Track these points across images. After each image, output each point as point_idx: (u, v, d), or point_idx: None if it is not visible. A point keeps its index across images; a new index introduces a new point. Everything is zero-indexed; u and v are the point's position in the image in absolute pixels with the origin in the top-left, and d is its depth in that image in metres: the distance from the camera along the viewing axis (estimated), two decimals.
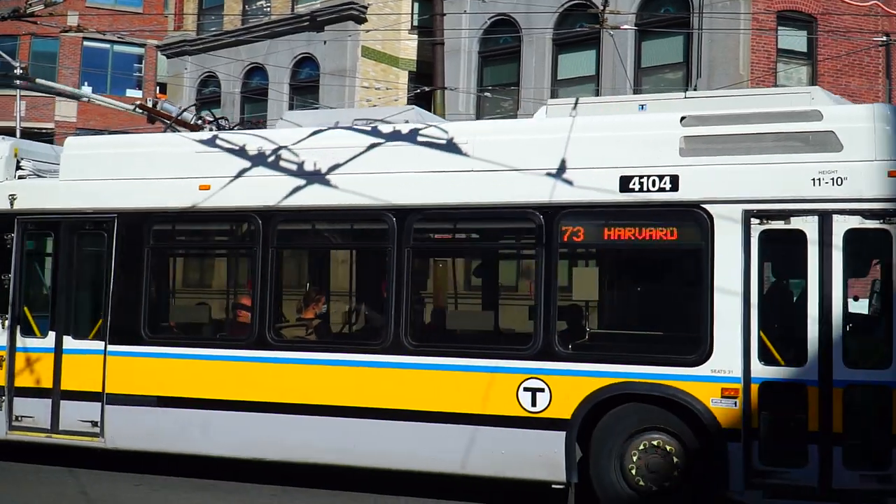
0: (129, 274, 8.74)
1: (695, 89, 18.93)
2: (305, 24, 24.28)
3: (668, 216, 7.36)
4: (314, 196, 8.26)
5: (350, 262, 9.62)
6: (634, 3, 19.57)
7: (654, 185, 7.28)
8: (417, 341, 7.94)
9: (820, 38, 19.05)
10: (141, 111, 9.72)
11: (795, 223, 6.94)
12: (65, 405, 8.70)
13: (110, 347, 8.64)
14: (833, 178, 6.76)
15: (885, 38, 18.50)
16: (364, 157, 8.19)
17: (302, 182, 8.28)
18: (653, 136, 7.44)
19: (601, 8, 15.92)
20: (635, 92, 19.58)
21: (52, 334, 8.89)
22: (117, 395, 8.55)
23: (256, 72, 25.76)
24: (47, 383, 8.78)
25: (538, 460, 7.38)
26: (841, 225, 6.80)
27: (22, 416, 8.83)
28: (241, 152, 8.51)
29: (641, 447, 7.11)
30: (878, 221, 6.75)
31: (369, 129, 8.48)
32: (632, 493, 7.12)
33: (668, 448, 7.10)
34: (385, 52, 23.26)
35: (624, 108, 8.17)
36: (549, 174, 7.58)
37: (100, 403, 8.56)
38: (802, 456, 6.77)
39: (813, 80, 19.11)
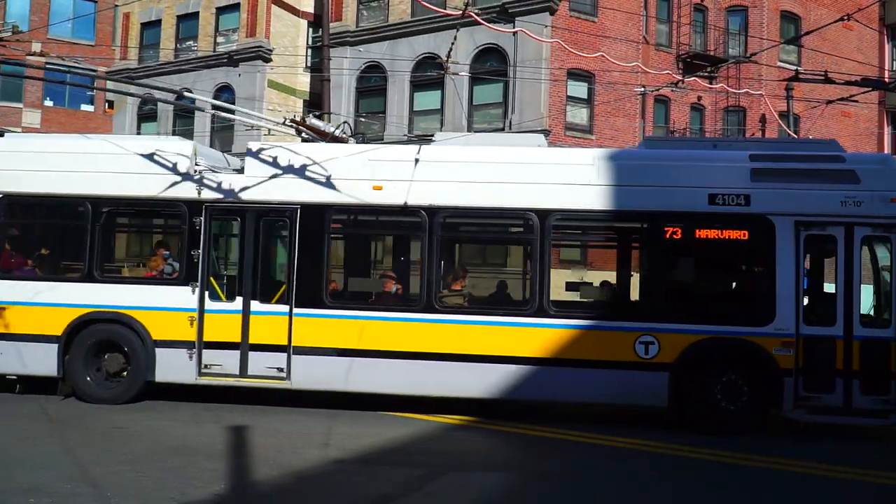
0: (311, 253, 8.69)
1: (510, 124, 20.56)
2: (224, 60, 24.70)
3: (743, 223, 8.32)
4: (471, 198, 8.54)
5: (500, 249, 9.91)
6: (469, 56, 20.80)
7: (732, 200, 8.24)
8: (556, 307, 8.44)
9: (596, 89, 20.86)
10: (291, 125, 9.20)
11: (829, 230, 8.23)
12: (252, 355, 8.61)
13: (296, 310, 8.60)
14: (854, 202, 8.07)
15: (643, 89, 20.42)
16: (507, 170, 8.55)
17: (459, 186, 8.52)
18: (730, 166, 8.41)
19: (445, 59, 17.28)
20: (469, 123, 21.09)
21: (239, 299, 8.73)
22: (302, 348, 8.54)
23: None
24: (235, 338, 8.63)
25: (648, 392, 8.16)
26: (859, 232, 8.12)
27: (210, 365, 8.66)
28: (405, 162, 8.63)
29: (724, 380, 8.09)
30: (882, 231, 8.13)
31: (511, 150, 9.01)
32: (716, 411, 8.09)
33: (741, 381, 8.11)
34: (286, 84, 23.95)
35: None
36: (652, 189, 8.40)
37: (286, 354, 8.53)
38: (832, 386, 7.95)
39: (591, 120, 20.95)
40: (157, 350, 8.64)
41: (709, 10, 24.37)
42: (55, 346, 8.68)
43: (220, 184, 8.83)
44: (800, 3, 24.91)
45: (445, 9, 17.67)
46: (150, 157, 8.88)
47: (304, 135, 9.37)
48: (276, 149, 8.99)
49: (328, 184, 8.70)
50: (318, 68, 21.63)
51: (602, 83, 20.63)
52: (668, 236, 8.49)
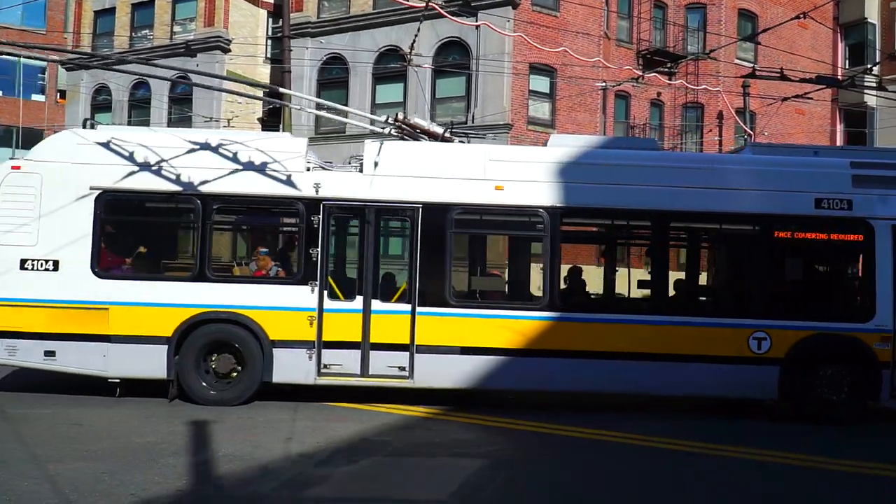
0: (433, 252, 8.61)
1: (473, 118, 20.60)
2: (181, 50, 24.15)
3: (845, 226, 8.74)
4: (591, 199, 8.72)
5: (621, 249, 9.88)
6: (432, 49, 20.79)
7: (836, 205, 8.64)
8: (675, 306, 8.93)
9: (558, 83, 21.03)
10: (394, 123, 8.88)
11: None
12: (374, 355, 8.45)
13: (419, 309, 8.50)
14: None
15: (604, 84, 20.65)
16: (623, 172, 8.76)
17: (579, 187, 8.67)
18: (834, 172, 8.84)
19: (408, 52, 17.22)
20: (431, 116, 21.05)
21: (359, 298, 8.55)
22: (425, 346, 8.45)
23: (142, 85, 25.36)
24: (356, 337, 8.47)
25: (759, 385, 8.54)
26: None
27: (330, 365, 8.46)
28: (526, 163, 8.76)
29: (829, 372, 8.51)
30: None
31: (625, 152, 9.31)
32: (821, 402, 8.48)
33: (844, 374, 8.52)
34: (245, 75, 23.60)
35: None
36: (763, 193, 8.81)
37: (408, 353, 8.43)
38: None
39: (553, 114, 21.13)
40: (275, 350, 8.41)
41: (668, 7, 24.72)
42: (164, 348, 8.34)
43: (338, 182, 8.71)
44: (757, 1, 25.42)
45: (408, 1, 17.59)
46: (263, 153, 8.63)
47: (391, 132, 8.99)
48: (395, 148, 8.85)
49: (449, 183, 8.67)
50: (278, 59, 21.35)
51: (564, 78, 20.78)
52: (778, 238, 8.95)
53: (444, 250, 8.68)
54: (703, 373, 8.53)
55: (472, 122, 20.24)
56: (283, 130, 19.67)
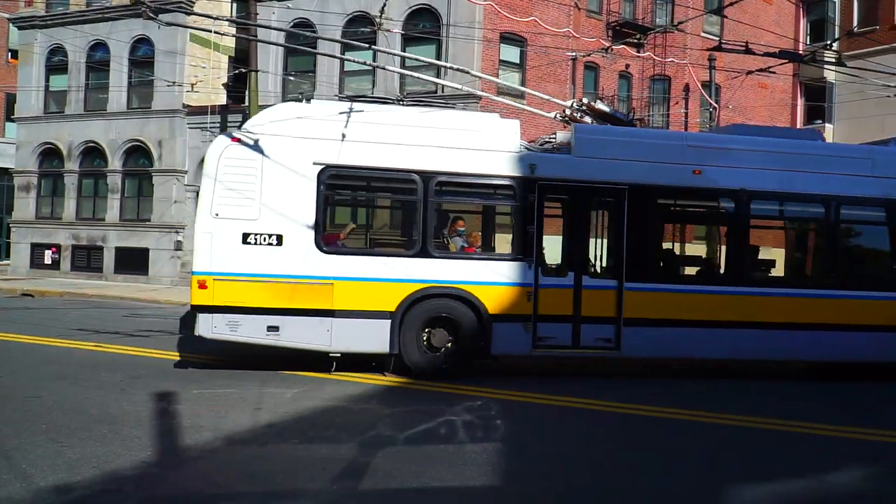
0: (640, 230, 9.22)
1: (442, 87, 20.62)
2: (141, 10, 23.51)
3: None
4: (771, 184, 9.55)
5: (803, 230, 10.72)
6: (403, 15, 20.73)
7: None
8: (852, 282, 9.74)
9: (529, 53, 21.17)
10: (579, 104, 9.62)
11: None
12: (584, 328, 8.96)
13: (626, 283, 9.05)
14: None
15: (574, 55, 20.86)
16: (796, 160, 9.62)
17: (761, 173, 9.48)
18: None
19: (378, 16, 17.14)
20: (401, 85, 21.04)
21: (570, 274, 9.05)
22: (632, 319, 9.00)
23: (100, 46, 24.63)
24: (567, 311, 8.92)
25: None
26: None
27: (545, 337, 8.90)
28: (717, 150, 9.51)
29: None
30: None
31: (794, 142, 10.13)
32: None
33: None
34: (209, 39, 23.16)
35: None
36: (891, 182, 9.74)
37: (614, 325, 9.00)
38: None
39: (523, 84, 21.25)
40: (494, 324, 8.72)
41: None
42: (388, 322, 8.52)
43: (551, 163, 9.13)
44: None
45: None
46: (478, 133, 8.94)
47: (570, 115, 9.78)
48: (602, 131, 9.56)
49: (653, 166, 9.28)
50: (244, 23, 20.95)
51: (534, 47, 20.92)
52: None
53: (650, 229, 9.47)
54: (880, 341, 9.59)
55: (443, 92, 20.28)
56: (250, 96, 19.52)
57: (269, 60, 21.70)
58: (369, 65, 11.75)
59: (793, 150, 9.85)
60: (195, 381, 8.01)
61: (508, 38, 20.74)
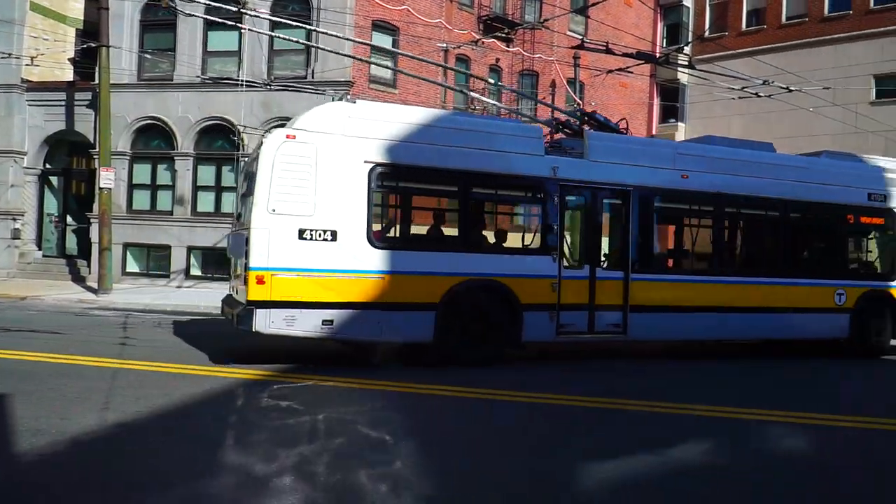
0: (643, 227, 10.42)
1: (313, 73, 20.16)
2: None
3: (885, 213, 12.41)
4: (747, 188, 11.18)
5: (772, 228, 11.94)
6: None
7: (878, 198, 12.31)
8: (795, 272, 11.56)
9: (401, 42, 21.11)
10: (580, 113, 11.13)
11: None
12: (599, 315, 9.95)
13: (632, 275, 10.19)
14: None
15: (444, 45, 21.00)
16: (768, 169, 11.42)
17: (738, 179, 11.11)
18: (879, 175, 12.48)
19: None
20: (269, 69, 20.33)
21: (586, 266, 10.03)
22: (635, 306, 10.13)
23: None
24: (584, 300, 9.88)
25: (837, 327, 11.71)
26: None
27: (565, 325, 9.71)
28: (699, 158, 10.98)
29: (879, 317, 12.08)
30: None
31: (763, 154, 11.79)
32: (874, 339, 12.09)
33: (887, 315, 12.18)
34: (53, 10, 21.29)
35: None
36: (841, 188, 11.95)
37: (621, 312, 10.09)
38: None
39: (395, 74, 21.22)
40: (525, 313, 9.41)
41: None
42: (432, 314, 8.90)
43: (570, 165, 10.03)
44: None
45: None
46: (510, 136, 9.75)
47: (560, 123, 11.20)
48: (610, 138, 10.70)
49: (651, 170, 10.56)
50: None
51: (406, 37, 20.87)
52: (849, 222, 12.30)
53: (651, 227, 10.64)
54: (814, 320, 11.57)
55: (312, 78, 19.82)
56: (100, 73, 18.10)
57: (124, 36, 20.26)
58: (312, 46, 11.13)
59: (756, 160, 11.50)
60: None
61: (381, 25, 20.58)
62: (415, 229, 9.68)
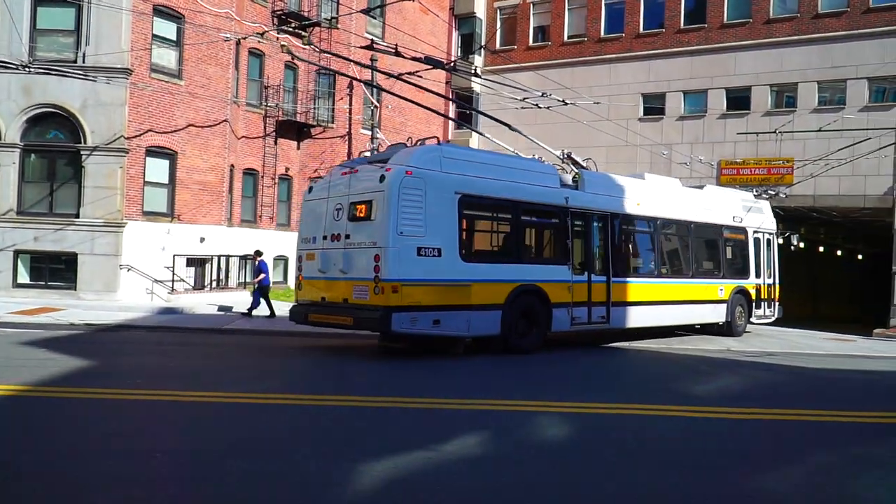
0: (616, 242, 13.65)
1: (84, 56, 18.26)
2: None
3: (742, 231, 17.08)
4: (679, 214, 15.29)
5: (698, 244, 16.06)
6: None
7: (735, 220, 16.86)
8: (699, 274, 15.57)
9: (187, 31, 19.78)
10: (567, 160, 14.17)
11: (766, 236, 17.84)
12: (593, 309, 12.85)
13: (613, 279, 13.28)
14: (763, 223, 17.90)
15: (229, 36, 19.94)
16: (668, 195, 15.28)
17: (674, 207, 15.20)
18: (738, 204, 17.36)
19: None
20: (31, 49, 18.08)
21: (586, 273, 12.86)
22: (615, 302, 13.27)
23: None
24: (585, 298, 12.73)
25: (719, 314, 15.93)
26: (762, 234, 17.77)
27: (576, 317, 12.53)
28: (643, 190, 14.59)
29: (741, 305, 16.61)
30: (769, 234, 18.06)
31: (679, 185, 16.19)
32: (741, 322, 16.81)
33: (745, 303, 16.80)
34: None
35: None
36: (714, 212, 16.51)
37: (605, 307, 13.09)
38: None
39: (180, 63, 19.85)
40: (553, 310, 12.14)
41: None
42: (499, 312, 11.28)
43: (574, 196, 12.98)
44: None
45: None
46: (542, 174, 12.63)
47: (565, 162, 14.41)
48: (596, 175, 14.01)
49: (622, 200, 13.99)
50: None
51: (193, 25, 19.62)
52: (723, 236, 16.41)
53: (624, 241, 14.14)
54: (702, 308, 15.48)
55: (83, 62, 17.97)
56: None
57: None
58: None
59: (676, 192, 15.58)
60: None
61: (163, 11, 19.13)
62: (488, 246, 12.02)
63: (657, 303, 14.19)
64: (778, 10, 25.73)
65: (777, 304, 17.96)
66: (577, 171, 13.64)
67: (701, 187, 16.79)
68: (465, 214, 11.04)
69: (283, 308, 17.52)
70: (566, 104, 16.53)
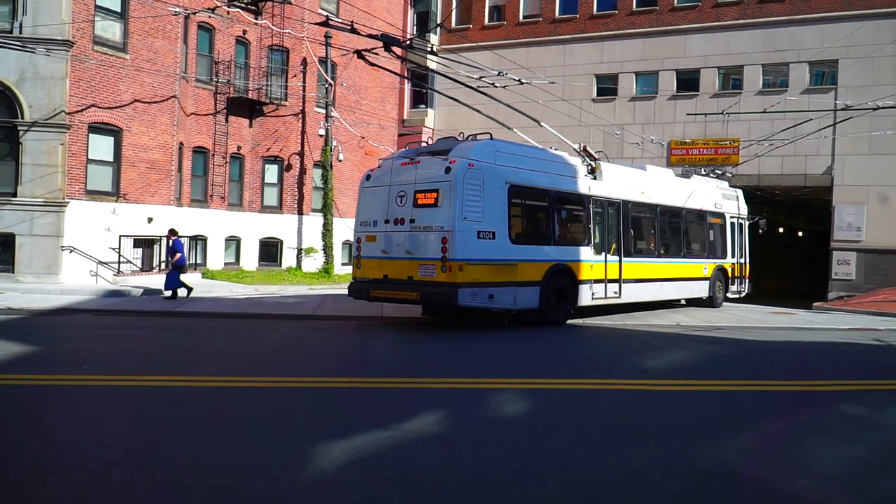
0: (627, 226, 15.19)
1: (21, 27, 17.36)
2: None
3: (721, 217, 18.81)
4: (677, 202, 17.01)
5: (697, 229, 18.07)
6: None
7: (714, 206, 18.49)
8: (687, 254, 17.31)
9: (132, 3, 18.96)
10: (581, 153, 14.88)
11: (738, 220, 19.81)
12: (609, 286, 14.46)
13: (624, 259, 14.88)
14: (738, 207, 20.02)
15: (178, 10, 19.24)
16: (658, 183, 16.70)
17: (671, 195, 16.96)
18: (715, 191, 18.92)
19: None
20: None
21: (603, 253, 14.43)
22: (626, 279, 14.86)
23: None
24: (601, 276, 14.27)
25: (704, 290, 17.73)
26: (736, 218, 19.60)
27: (595, 293, 14.12)
28: (655, 181, 16.58)
29: (720, 280, 18.39)
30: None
31: (673, 175, 18.21)
32: (720, 296, 18.72)
33: (723, 279, 18.70)
34: None
35: None
36: (696, 199, 18.20)
37: (618, 283, 14.70)
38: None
39: (126, 36, 19.04)
40: (579, 286, 13.65)
41: None
42: (538, 288, 12.68)
43: (594, 185, 14.44)
44: None
45: None
46: (568, 165, 14.09)
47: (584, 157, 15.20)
48: (610, 166, 15.36)
49: (630, 188, 15.46)
50: None
51: None
52: (706, 221, 18.13)
53: (632, 225, 15.47)
54: (692, 285, 17.38)
55: (20, 33, 17.08)
56: None
57: None
58: None
59: (671, 181, 17.38)
60: None
61: None
62: (529, 230, 13.12)
63: (658, 280, 16.01)
64: None
65: (747, 280, 19.76)
66: (591, 162, 14.83)
67: (688, 176, 18.81)
68: (513, 202, 12.43)
69: (249, 290, 17.11)
70: (522, 83, 16.46)
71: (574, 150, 14.97)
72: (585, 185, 14.18)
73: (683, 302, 18.18)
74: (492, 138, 12.67)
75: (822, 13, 24.53)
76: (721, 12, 26.00)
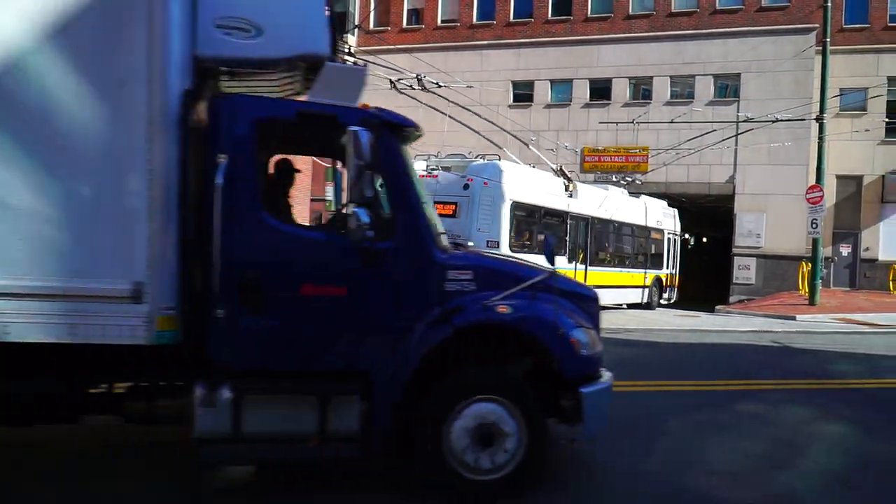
0: (591, 238, 17.94)
1: None
2: None
3: (662, 233, 22.64)
4: (621, 216, 19.72)
5: (643, 244, 21.35)
6: None
7: (658, 223, 22.21)
8: (631, 265, 20.16)
9: None
10: (561, 174, 17.22)
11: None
12: None
13: (590, 268, 17.75)
14: None
15: None
16: (616, 200, 19.47)
17: (615, 210, 19.27)
18: (661, 208, 22.78)
19: None
20: None
21: (573, 262, 17.06)
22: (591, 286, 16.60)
23: None
24: None
25: (645, 296, 20.84)
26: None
27: None
28: (608, 199, 19.00)
29: (656, 289, 22.03)
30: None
31: (628, 195, 20.80)
32: (653, 304, 21.65)
33: (658, 287, 22.38)
34: None
35: None
36: (648, 217, 21.77)
37: None
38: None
39: None
40: None
41: None
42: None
43: (571, 202, 17.02)
44: None
45: None
46: (553, 184, 16.66)
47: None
48: (586, 187, 18.51)
49: (595, 206, 18.12)
50: None
51: None
52: (649, 236, 21.37)
53: (594, 237, 17.86)
54: (635, 292, 19.92)
55: None
56: None
57: None
58: None
59: (625, 199, 19.91)
60: None
61: None
62: (522, 240, 15.10)
63: (613, 286, 18.19)
64: (637, 7, 27.08)
65: (676, 289, 23.18)
66: (566, 182, 16.95)
67: (637, 196, 21.29)
68: (515, 215, 14.64)
69: None
70: (440, 86, 16.49)
71: (553, 170, 17.10)
72: (565, 203, 16.61)
73: (625, 306, 20.16)
74: (500, 159, 14.94)
75: (727, 28, 25.81)
76: (633, 24, 26.94)
